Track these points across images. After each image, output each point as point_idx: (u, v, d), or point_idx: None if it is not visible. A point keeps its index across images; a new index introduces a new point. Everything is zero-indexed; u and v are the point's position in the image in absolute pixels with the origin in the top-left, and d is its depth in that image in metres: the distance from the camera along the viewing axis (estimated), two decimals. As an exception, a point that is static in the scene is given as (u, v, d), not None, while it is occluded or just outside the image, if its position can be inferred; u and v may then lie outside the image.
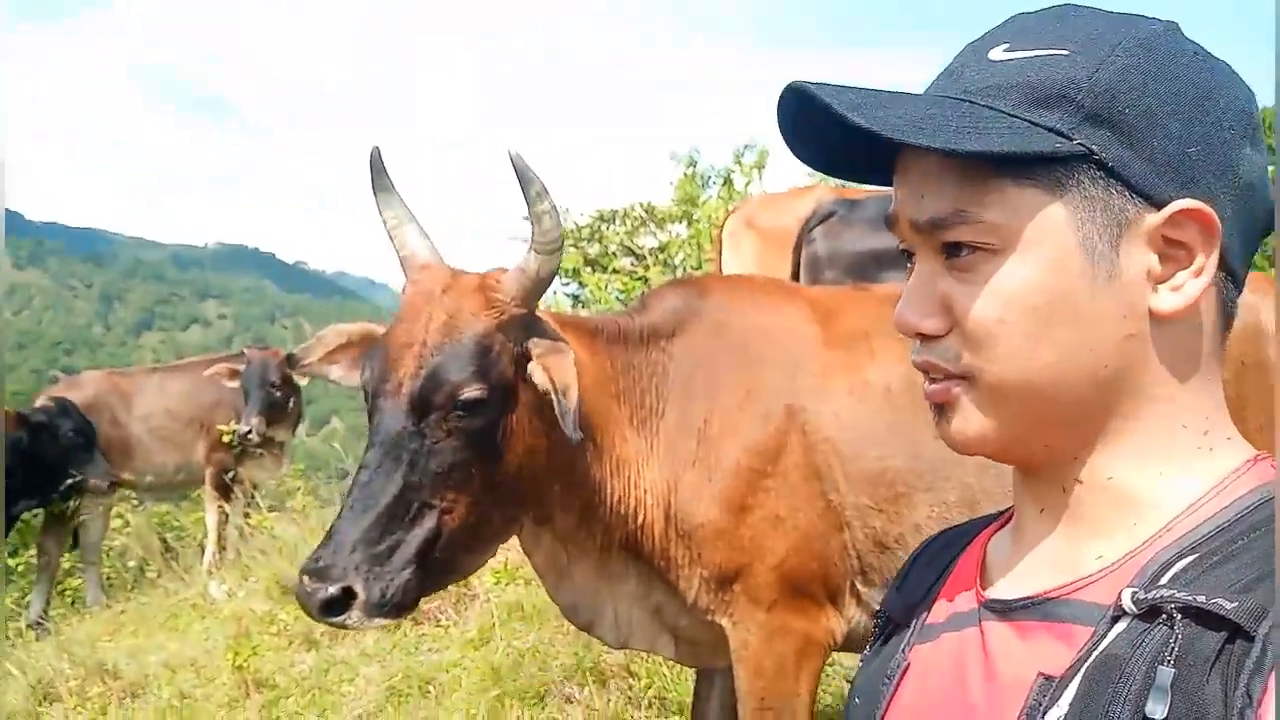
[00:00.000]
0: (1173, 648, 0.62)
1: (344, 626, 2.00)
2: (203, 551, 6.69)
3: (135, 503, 7.07)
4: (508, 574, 4.40)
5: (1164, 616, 0.64)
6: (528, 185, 2.05)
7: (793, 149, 0.81)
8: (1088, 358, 0.72)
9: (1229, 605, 0.61)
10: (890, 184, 0.80)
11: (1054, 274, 0.71)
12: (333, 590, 1.93)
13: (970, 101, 0.72)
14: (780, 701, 2.31)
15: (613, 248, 9.86)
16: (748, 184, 9.19)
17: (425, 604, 4.33)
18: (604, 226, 9.88)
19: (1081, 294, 0.71)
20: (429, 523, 2.02)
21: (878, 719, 0.81)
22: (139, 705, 3.97)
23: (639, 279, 8.72)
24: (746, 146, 9.56)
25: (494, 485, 2.09)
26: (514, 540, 4.50)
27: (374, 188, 2.18)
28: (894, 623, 0.88)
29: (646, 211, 9.63)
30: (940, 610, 0.83)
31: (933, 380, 0.77)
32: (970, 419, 0.75)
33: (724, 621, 2.34)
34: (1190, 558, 0.68)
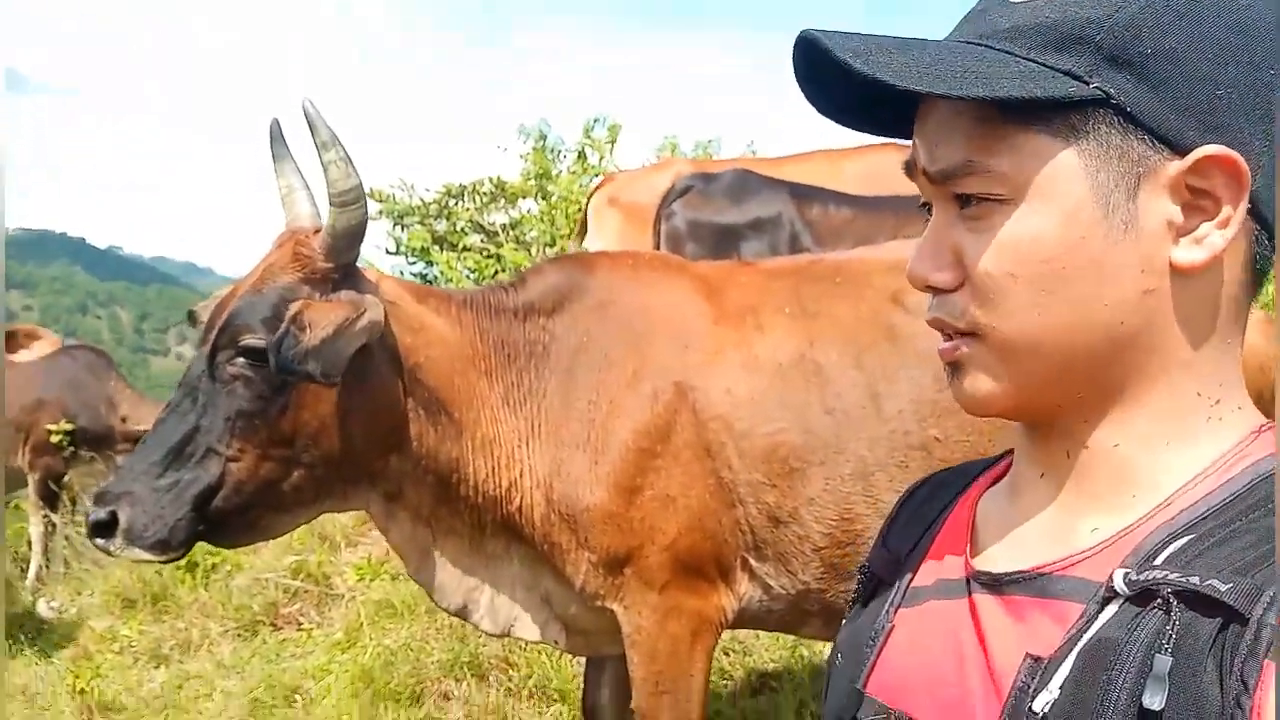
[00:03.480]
0: (1170, 635, 0.59)
1: (107, 552, 2.05)
2: (24, 568, 6.14)
3: None
4: (371, 569, 4.22)
5: (1159, 600, 0.61)
6: (315, 133, 2.04)
7: (813, 102, 0.76)
8: (1102, 314, 0.68)
9: (1223, 587, 0.59)
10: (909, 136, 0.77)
11: (1066, 225, 0.67)
12: (101, 514, 2.00)
13: (985, 45, 0.69)
14: (676, 683, 2.29)
15: (462, 224, 9.59)
16: (601, 159, 9.09)
17: (284, 607, 4.11)
18: (452, 202, 9.58)
19: (1095, 246, 0.67)
20: (213, 468, 2.04)
21: (861, 680, 0.78)
22: (-39, 745, 3.59)
23: (490, 257, 8.53)
24: (596, 120, 9.46)
25: (286, 441, 2.08)
26: (376, 534, 4.31)
27: (272, 156, 2.21)
28: (878, 579, 0.84)
29: (496, 186, 9.39)
30: (927, 573, 0.79)
31: (946, 337, 0.74)
32: (980, 378, 0.72)
33: (615, 606, 2.30)
34: (1187, 537, 0.64)
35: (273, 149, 2.24)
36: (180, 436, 2.04)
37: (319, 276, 2.09)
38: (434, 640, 3.62)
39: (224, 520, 2.08)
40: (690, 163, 6.07)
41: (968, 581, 0.75)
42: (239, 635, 4.09)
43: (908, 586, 0.80)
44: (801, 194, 4.36)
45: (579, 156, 9.13)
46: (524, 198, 9.57)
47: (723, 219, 4.50)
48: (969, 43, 0.70)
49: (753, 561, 2.30)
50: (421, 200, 9.63)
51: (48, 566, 5.91)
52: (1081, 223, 0.67)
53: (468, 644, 3.49)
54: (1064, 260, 0.67)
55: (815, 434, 2.22)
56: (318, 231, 2.13)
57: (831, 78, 0.69)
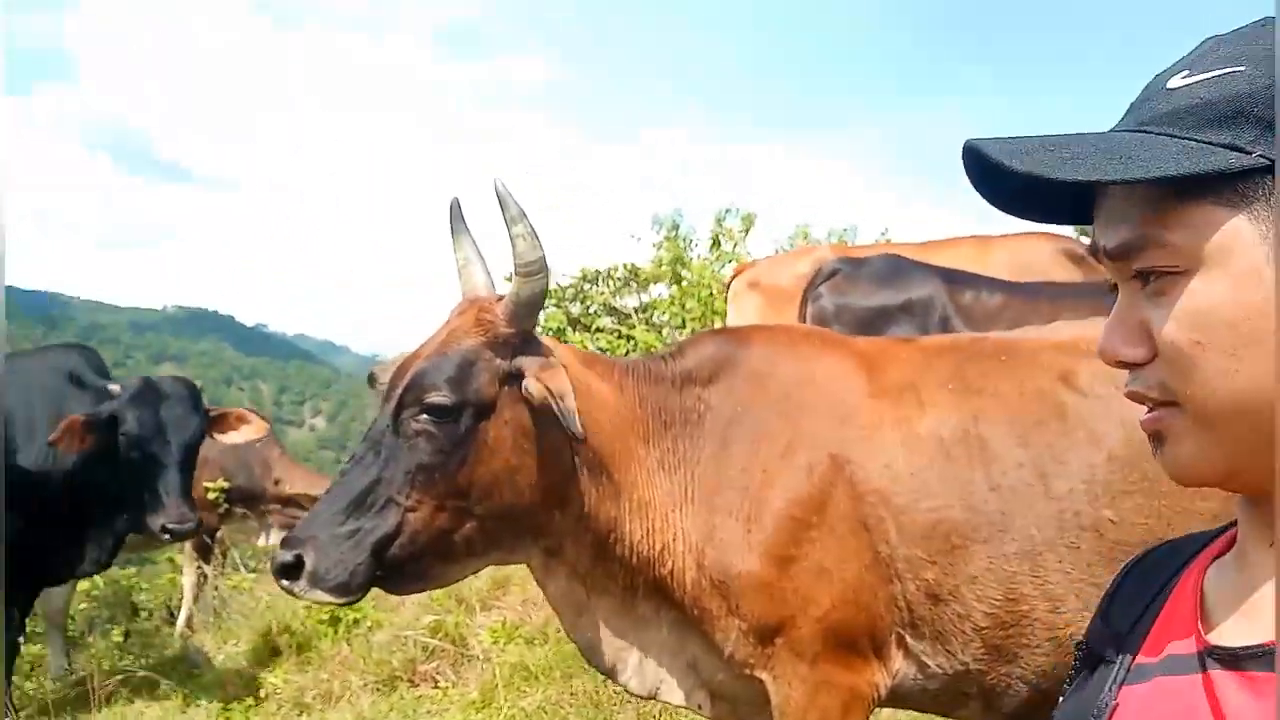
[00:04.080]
0: None
1: (291, 593, 2.14)
2: (171, 615, 6.43)
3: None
4: (505, 633, 4.28)
5: None
6: (504, 209, 2.17)
7: (989, 199, 0.81)
8: None
9: None
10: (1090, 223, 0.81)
11: (1246, 289, 0.69)
12: (287, 556, 2.10)
13: (1145, 131, 0.73)
14: None
15: (595, 307, 9.87)
16: (734, 246, 9.27)
17: (421, 665, 4.19)
18: (587, 286, 9.90)
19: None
20: (392, 517, 2.13)
21: None
22: (119, 776, 3.76)
23: (623, 338, 8.73)
24: (728, 210, 9.68)
25: (462, 494, 2.17)
26: (512, 599, 4.38)
27: (451, 231, 2.37)
28: (1096, 655, 0.83)
29: (630, 272, 9.67)
30: (1152, 648, 0.78)
31: (1146, 410, 0.75)
32: (1183, 448, 0.73)
33: (765, 676, 2.28)
34: None
35: (452, 225, 2.39)
36: (363, 487, 2.14)
37: (501, 341, 2.20)
38: (569, 706, 3.63)
39: (399, 567, 2.17)
40: (833, 248, 6.14)
41: (1201, 657, 0.72)
42: (378, 689, 4.19)
43: (1132, 663, 0.78)
44: (954, 279, 4.36)
45: (713, 244, 9.33)
46: (656, 282, 9.81)
47: (871, 302, 4.52)
48: (1131, 130, 0.74)
49: (909, 638, 2.25)
50: (558, 284, 9.97)
51: (197, 614, 6.18)
52: (1260, 285, 0.68)
53: (602, 709, 3.49)
54: (1248, 324, 0.68)
55: (978, 511, 2.18)
56: (499, 299, 2.25)
57: (1001, 176, 0.74)
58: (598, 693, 3.59)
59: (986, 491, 2.19)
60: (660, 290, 9.82)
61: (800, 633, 2.22)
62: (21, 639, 4.69)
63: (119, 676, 4.65)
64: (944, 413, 2.28)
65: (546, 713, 3.61)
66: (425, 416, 2.14)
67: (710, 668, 2.38)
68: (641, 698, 2.54)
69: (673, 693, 2.44)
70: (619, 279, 9.84)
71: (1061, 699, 0.86)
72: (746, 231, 9.32)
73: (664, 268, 9.39)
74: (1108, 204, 0.76)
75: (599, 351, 8.78)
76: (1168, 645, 0.76)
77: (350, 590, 2.13)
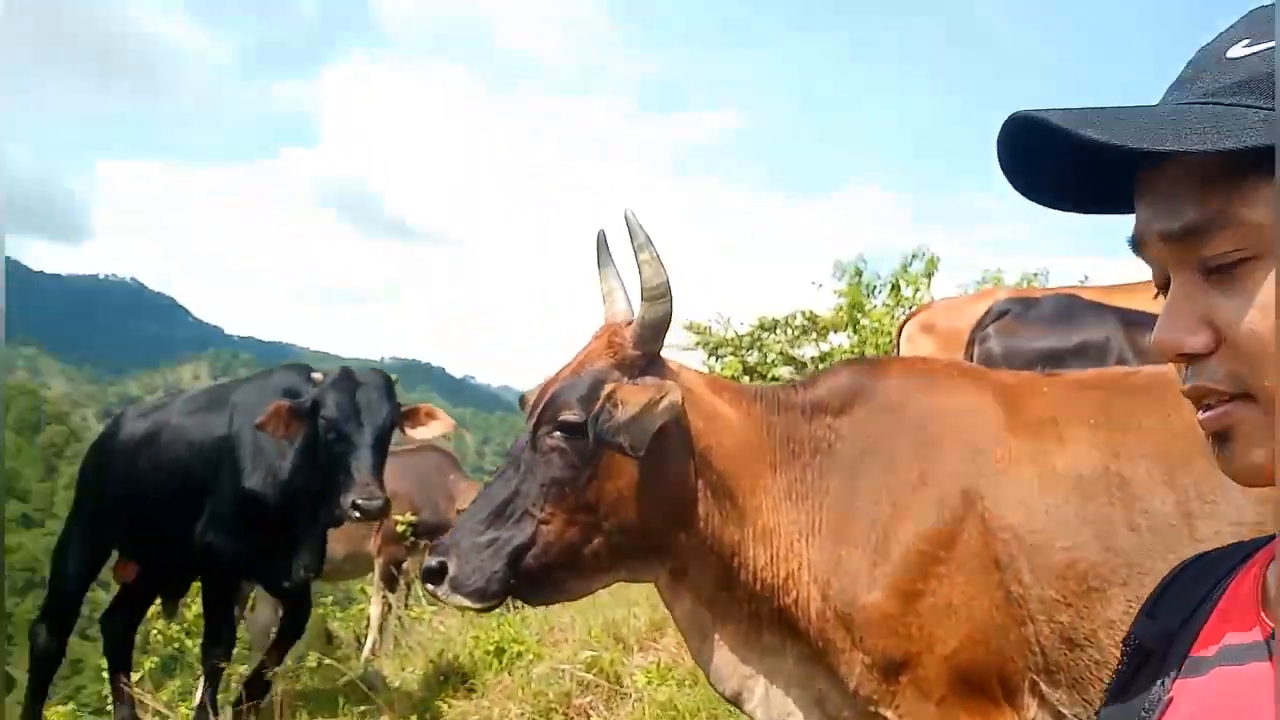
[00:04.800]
0: None
1: (435, 597, 2.26)
2: (359, 643, 6.82)
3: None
4: (659, 674, 4.29)
5: None
6: (633, 237, 2.26)
7: (1016, 185, 0.79)
8: None
9: None
10: (1119, 212, 0.78)
11: None
12: (433, 562, 2.23)
13: (1214, 103, 0.68)
14: None
15: (773, 356, 9.82)
16: (915, 291, 9.03)
17: (576, 699, 4.27)
18: (764, 335, 9.88)
19: None
20: (527, 528, 2.23)
21: None
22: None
23: (799, 388, 8.63)
24: (914, 255, 9.44)
25: (591, 509, 2.24)
26: (668, 641, 4.39)
27: (598, 262, 2.50)
28: (1146, 651, 0.80)
29: (809, 319, 9.58)
30: (1208, 642, 0.75)
31: (1206, 407, 0.71)
32: (1255, 444, 0.68)
33: (889, 714, 2.21)
34: None
35: (598, 256, 2.51)
36: (503, 499, 2.26)
37: (628, 362, 2.29)
38: (712, 748, 3.60)
39: (533, 577, 2.26)
40: (1011, 291, 5.90)
41: (1268, 644, 0.70)
42: (533, 719, 4.30)
43: (1185, 657, 0.76)
44: (1132, 319, 4.10)
45: (892, 289, 9.11)
46: (835, 331, 9.66)
47: (1041, 344, 4.31)
48: (1194, 103, 0.69)
49: (1043, 685, 2.12)
50: (735, 333, 10.00)
51: (381, 643, 6.54)
52: None
53: (745, 754, 3.43)
54: None
55: (1118, 552, 2.05)
56: (629, 324, 2.34)
57: (1042, 157, 0.72)
58: (742, 735, 3.55)
59: (1126, 532, 2.05)
60: (840, 340, 9.67)
61: (926, 671, 2.15)
62: (224, 662, 5.12)
63: (304, 695, 4.99)
64: (1084, 449, 2.16)
65: (692, 753, 3.59)
66: (558, 434, 2.24)
67: (837, 703, 2.33)
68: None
69: None
70: (797, 327, 9.76)
71: (1107, 695, 0.84)
72: (930, 276, 9.06)
73: (843, 315, 9.26)
74: (1163, 186, 0.71)
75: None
76: (1224, 638, 0.74)
77: (486, 596, 2.23)
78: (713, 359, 9.92)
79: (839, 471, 2.31)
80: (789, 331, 9.79)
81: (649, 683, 4.26)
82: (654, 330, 2.29)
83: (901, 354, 5.99)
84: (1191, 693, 0.73)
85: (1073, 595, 2.06)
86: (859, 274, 9.66)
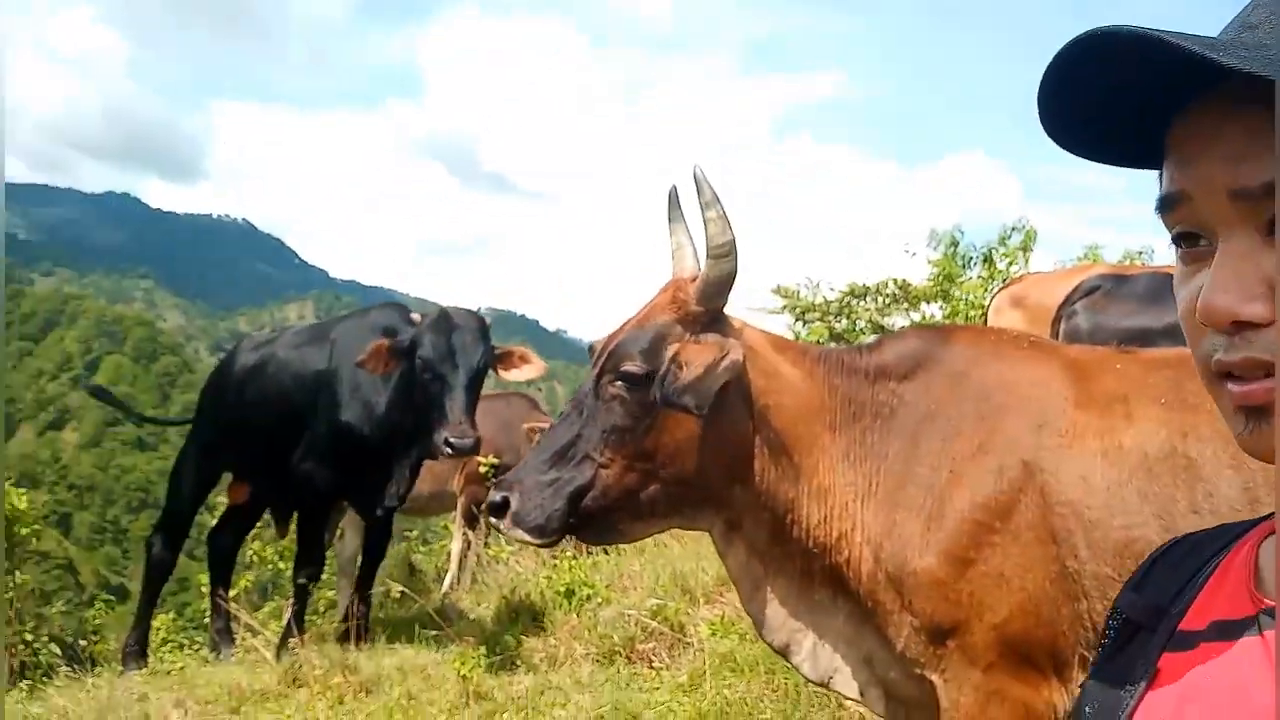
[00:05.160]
0: None
1: (498, 530, 2.37)
2: (440, 575, 7.10)
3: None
4: (723, 627, 4.39)
5: None
6: (700, 194, 2.28)
7: (1049, 125, 0.75)
8: None
9: None
10: (1142, 167, 0.75)
11: None
12: (497, 497, 2.32)
13: None
14: None
15: (862, 324, 9.73)
16: (1010, 264, 8.81)
17: (640, 645, 4.40)
18: (854, 302, 9.78)
19: None
20: (587, 470, 2.30)
21: None
22: (371, 700, 4.25)
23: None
24: (1013, 227, 9.20)
25: (649, 457, 2.30)
26: (734, 596, 4.48)
27: (668, 218, 2.52)
28: (1133, 624, 0.81)
29: (900, 288, 9.44)
30: (1196, 618, 0.75)
31: (1242, 380, 0.66)
32: None
33: (935, 677, 2.23)
34: None
35: (668, 212, 2.53)
36: (565, 441, 2.34)
37: (690, 318, 2.33)
38: (768, 699, 3.69)
39: (590, 518, 2.35)
40: (1107, 267, 5.73)
41: (1257, 619, 0.69)
42: (597, 660, 4.45)
43: (1173, 631, 0.76)
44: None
45: (986, 261, 8.90)
46: (928, 301, 9.51)
47: (1131, 323, 4.21)
48: None
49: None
50: (825, 298, 9.91)
51: (459, 578, 6.80)
52: None
53: (799, 708, 3.51)
54: None
55: (1178, 533, 2.03)
56: (694, 280, 2.38)
57: (1085, 93, 0.68)
58: (798, 690, 3.62)
59: (1188, 514, 2.03)
60: (931, 310, 9.51)
61: (974, 638, 2.17)
62: (311, 582, 5.42)
63: (384, 621, 5.26)
64: (1153, 427, 2.13)
65: (747, 704, 3.69)
66: (620, 383, 2.30)
67: (884, 663, 2.37)
68: (813, 683, 2.57)
69: (846, 684, 2.45)
70: (888, 295, 9.64)
71: (1093, 667, 0.84)
72: (1026, 250, 8.82)
73: (935, 285, 9.10)
74: (1238, 137, 0.65)
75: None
76: (1214, 614, 0.74)
77: (545, 533, 2.31)
78: (800, 324, 9.88)
79: (899, 436, 2.32)
80: (879, 299, 9.67)
81: (712, 634, 4.36)
82: (717, 287, 2.32)
83: (990, 324, 5.89)
84: (1179, 665, 0.73)
85: (1129, 574, 2.05)
86: (955, 244, 9.45)
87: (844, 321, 9.88)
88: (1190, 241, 0.70)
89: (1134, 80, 0.69)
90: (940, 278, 8.97)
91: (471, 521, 6.92)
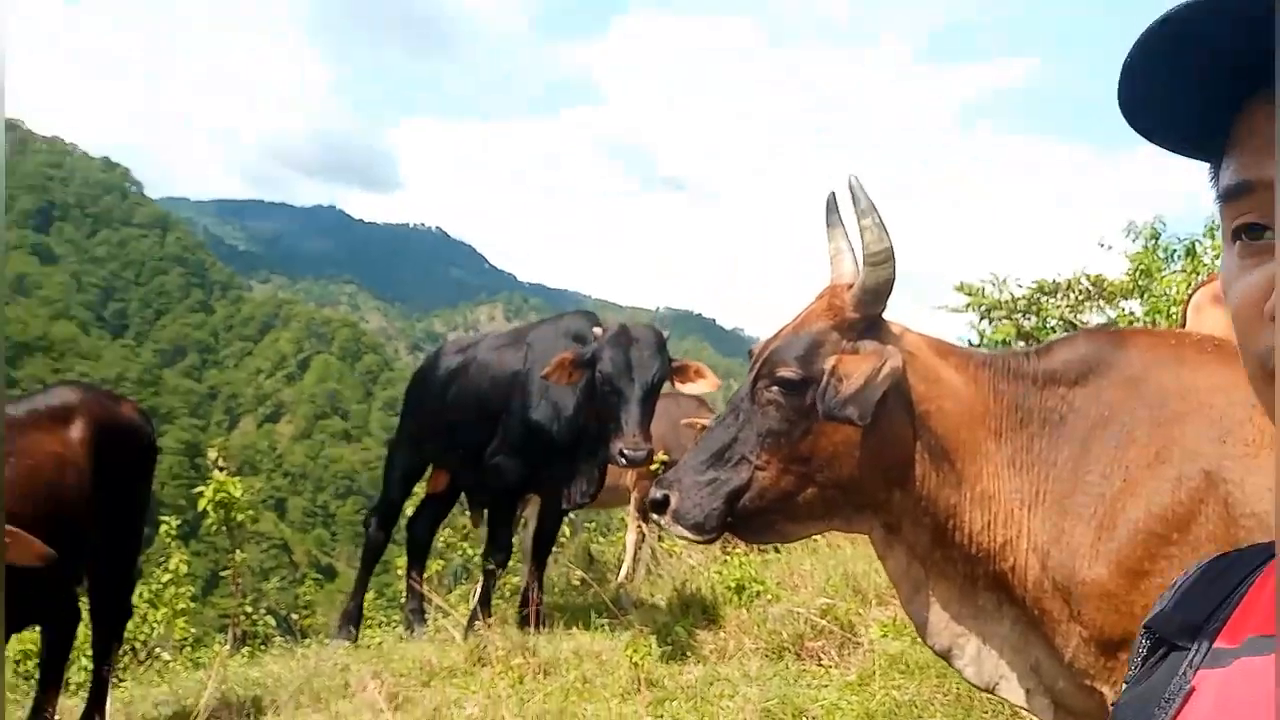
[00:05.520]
0: None
1: (659, 525, 2.49)
2: (618, 566, 7.32)
3: None
4: (895, 629, 4.35)
5: None
6: (855, 203, 2.29)
7: (1127, 107, 0.76)
8: None
9: None
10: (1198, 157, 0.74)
11: None
12: (657, 494, 2.40)
13: None
14: None
15: (1053, 322, 9.25)
16: (1216, 257, 8.19)
17: (810, 642, 4.42)
18: (1044, 299, 9.31)
19: None
20: (744, 472, 2.35)
21: None
22: (549, 680, 4.47)
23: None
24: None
25: (805, 460, 2.32)
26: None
27: (826, 223, 2.55)
28: (1166, 642, 0.80)
29: (1094, 284, 8.92)
30: (1233, 635, 0.74)
31: None
32: None
33: (1106, 690, 2.17)
34: None
35: (826, 217, 2.55)
36: (722, 443, 2.40)
37: (846, 325, 2.35)
38: (938, 703, 3.64)
39: (747, 518, 2.40)
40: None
41: None
42: (766, 655, 4.50)
43: (1209, 649, 0.75)
44: None
45: (1187, 253, 8.29)
46: (1125, 298, 8.95)
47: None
48: None
49: None
50: (1011, 295, 9.49)
51: (634, 569, 7.00)
52: None
53: (972, 714, 3.45)
54: None
55: None
56: (850, 287, 2.39)
57: (1160, 76, 0.69)
58: (970, 695, 3.56)
59: None
60: (1129, 307, 8.95)
61: None
62: (499, 569, 5.75)
63: (562, 607, 5.50)
64: None
65: (917, 706, 3.65)
66: (775, 388, 2.34)
67: (1052, 673, 2.31)
68: (978, 689, 2.54)
69: (1013, 691, 2.40)
70: (1081, 291, 9.11)
71: (1125, 685, 0.84)
72: (1235, 242, 8.16)
73: (1134, 280, 8.55)
74: None
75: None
76: (1249, 631, 0.73)
77: (704, 530, 2.38)
78: (985, 322, 9.50)
79: (1069, 443, 2.25)
80: (1071, 296, 9.16)
81: (883, 635, 4.33)
82: (874, 294, 2.32)
83: (1188, 324, 5.52)
84: (1214, 683, 0.72)
85: None
86: (1155, 236, 8.83)
87: (1033, 319, 9.41)
88: (1254, 234, 0.69)
89: (1206, 64, 0.69)
90: (1138, 272, 8.42)
91: (644, 515, 7.11)
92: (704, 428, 6.89)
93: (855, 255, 2.50)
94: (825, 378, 2.24)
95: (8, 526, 3.12)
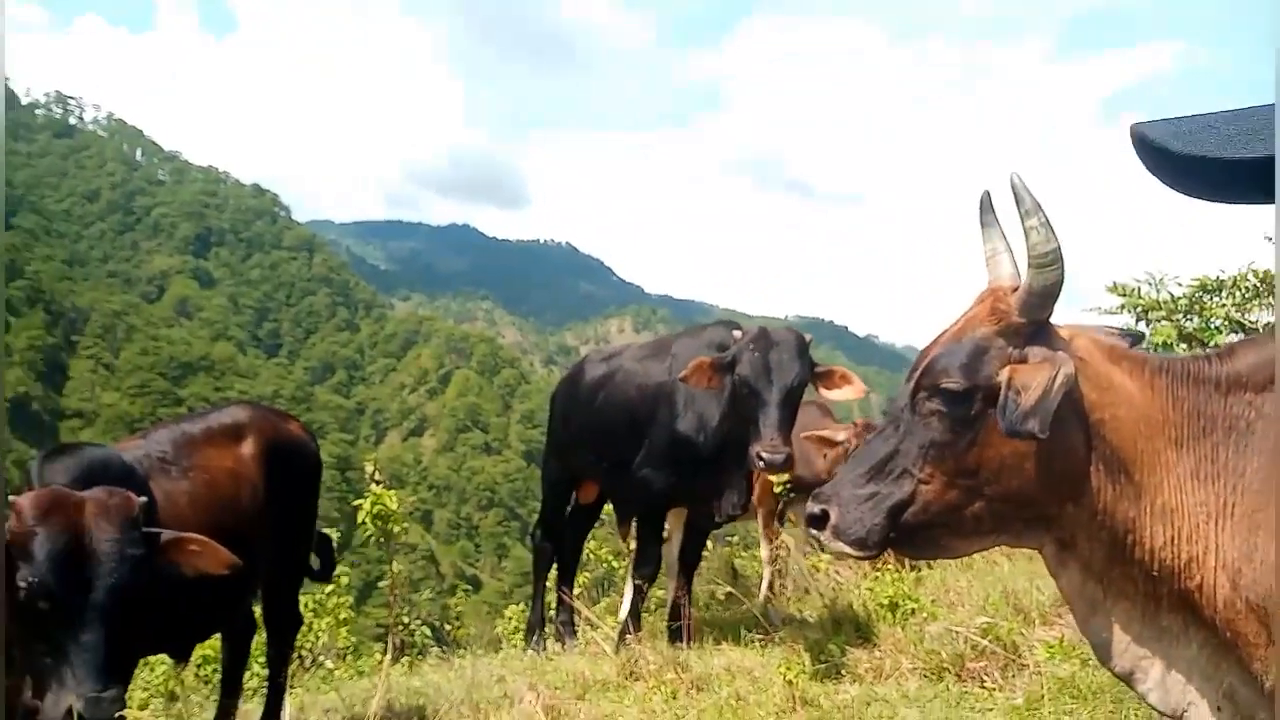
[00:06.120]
0: None
1: (817, 541, 2.35)
2: (759, 582, 7.26)
3: None
4: (1062, 650, 4.17)
5: None
6: (1019, 204, 2.17)
7: (1164, 178, 0.81)
8: None
9: None
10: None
11: None
12: (815, 509, 2.32)
13: None
14: None
15: (1217, 322, 8.71)
16: None
17: (970, 663, 4.28)
18: (1207, 297, 8.77)
19: None
20: (906, 486, 2.27)
21: None
22: (702, 697, 4.45)
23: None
24: None
25: (971, 473, 2.23)
26: (1071, 617, 4.24)
27: (981, 224, 2.46)
28: None
29: (1261, 280, 8.35)
30: None
31: None
32: None
33: None
34: None
35: (981, 217, 2.45)
36: (883, 456, 2.33)
37: (1012, 330, 2.24)
38: (1114, 730, 3.46)
39: (911, 533, 2.32)
40: None
41: None
42: (925, 675, 4.37)
43: None
44: None
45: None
46: (1299, 295, 8.35)
47: None
48: None
49: None
50: (1170, 295, 8.99)
51: (777, 583, 6.92)
52: None
53: (1152, 744, 3.25)
54: None
55: None
56: (1015, 290, 2.29)
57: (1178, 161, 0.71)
58: (1150, 723, 3.37)
59: None
60: (1306, 303, 8.34)
61: None
62: (648, 582, 5.77)
63: (711, 622, 5.48)
64: None
65: (1092, 733, 3.48)
66: (938, 399, 2.25)
67: (1249, 700, 2.17)
68: (1163, 715, 2.40)
69: (1203, 719, 2.28)
70: (1248, 288, 8.55)
71: None
72: None
73: (1309, 276, 7.96)
74: None
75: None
76: None
77: (867, 546, 2.31)
78: (1142, 325, 9.02)
79: (1259, 452, 2.11)
80: (1237, 294, 8.61)
81: (1049, 657, 4.15)
82: (1041, 298, 2.21)
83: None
84: None
85: None
86: (1335, 226, 8.22)
87: (1195, 320, 8.88)
88: None
89: None
90: (1315, 267, 7.84)
91: (774, 527, 7.05)
92: (822, 440, 6.78)
93: (1013, 257, 2.40)
94: (1004, 392, 2.15)
95: (197, 536, 3.32)
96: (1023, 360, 2.22)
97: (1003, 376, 2.18)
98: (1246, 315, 8.65)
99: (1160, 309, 8.92)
